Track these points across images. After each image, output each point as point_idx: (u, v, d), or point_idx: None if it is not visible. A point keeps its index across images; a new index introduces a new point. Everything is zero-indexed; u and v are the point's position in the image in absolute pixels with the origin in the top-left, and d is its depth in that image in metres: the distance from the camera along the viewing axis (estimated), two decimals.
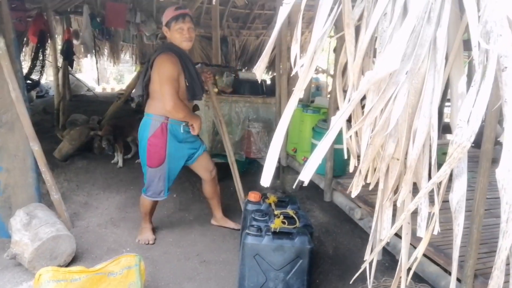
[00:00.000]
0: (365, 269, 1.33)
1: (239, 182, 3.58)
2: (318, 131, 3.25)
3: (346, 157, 1.34)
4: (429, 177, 1.06)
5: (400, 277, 1.26)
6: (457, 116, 0.94)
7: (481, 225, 1.73)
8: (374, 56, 1.17)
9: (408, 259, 1.24)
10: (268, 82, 5.38)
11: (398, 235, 1.36)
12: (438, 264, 2.13)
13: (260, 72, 1.13)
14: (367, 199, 2.73)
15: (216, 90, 4.26)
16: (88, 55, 9.06)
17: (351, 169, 1.36)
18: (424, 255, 2.11)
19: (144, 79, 2.86)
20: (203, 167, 3.11)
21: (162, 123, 2.79)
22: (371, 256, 1.28)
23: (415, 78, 1.02)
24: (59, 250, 2.57)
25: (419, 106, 1.04)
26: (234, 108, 4.43)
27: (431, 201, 1.10)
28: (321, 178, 3.32)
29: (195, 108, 3.27)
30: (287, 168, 4.12)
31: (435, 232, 1.11)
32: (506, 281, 1.08)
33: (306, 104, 4.24)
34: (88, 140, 4.96)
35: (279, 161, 4.00)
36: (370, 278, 1.37)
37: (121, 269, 2.17)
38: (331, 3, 1.06)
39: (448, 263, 2.05)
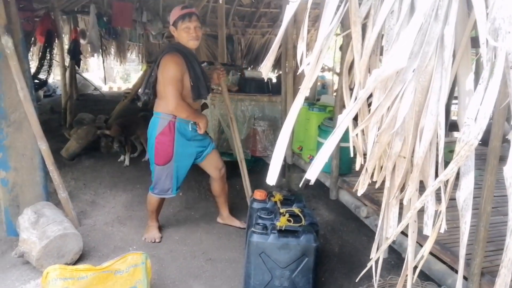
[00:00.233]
0: (371, 267, 1.33)
1: (248, 180, 3.57)
2: (324, 130, 3.24)
3: (352, 155, 1.33)
4: (436, 175, 1.05)
5: (406, 275, 1.26)
6: (465, 114, 0.94)
7: (488, 223, 1.72)
8: (381, 54, 1.16)
9: (415, 257, 1.23)
10: (274, 80, 5.38)
11: (404, 233, 1.35)
12: (444, 262, 2.12)
13: (266, 70, 1.13)
14: (373, 197, 2.72)
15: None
16: (95, 55, 9.10)
17: (357, 167, 1.36)
18: (431, 253, 2.10)
19: (149, 78, 2.87)
20: (212, 165, 3.12)
21: (170, 121, 2.81)
22: (377, 255, 1.28)
23: (422, 76, 1.02)
24: (66, 248, 2.59)
25: (426, 104, 1.03)
26: (240, 107, 4.43)
27: (438, 199, 1.09)
28: (327, 176, 3.31)
29: (204, 106, 3.28)
30: (293, 166, 4.11)
31: (442, 231, 1.11)
32: None
33: (312, 102, 4.22)
34: (95, 139, 4.98)
35: (285, 160, 3.99)
36: (376, 276, 1.37)
37: (128, 267, 2.18)
38: (338, 1, 1.05)
39: (454, 261, 2.03)
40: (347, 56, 1.23)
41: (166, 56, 2.74)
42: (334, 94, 5.10)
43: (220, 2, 4.03)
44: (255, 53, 9.57)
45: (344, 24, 2.09)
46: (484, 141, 1.34)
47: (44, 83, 7.58)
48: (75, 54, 6.90)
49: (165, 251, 2.92)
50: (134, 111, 5.75)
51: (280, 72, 5.64)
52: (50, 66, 6.99)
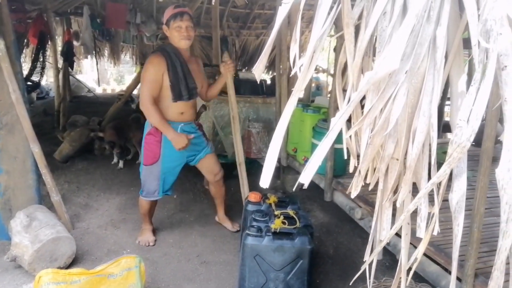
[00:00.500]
0: (365, 269, 1.32)
1: (246, 185, 3.45)
2: (318, 131, 3.24)
3: (346, 157, 1.33)
4: (429, 177, 1.05)
5: (400, 277, 1.26)
6: (457, 115, 0.94)
7: (482, 224, 1.73)
8: (374, 56, 1.16)
9: (408, 259, 1.23)
10: (268, 82, 5.38)
11: (398, 235, 1.35)
12: (438, 264, 2.13)
13: (259, 72, 1.13)
14: (368, 198, 2.73)
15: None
16: (89, 56, 9.04)
17: (351, 169, 1.36)
18: (425, 254, 2.10)
19: None
20: (207, 169, 3.13)
21: None
22: (371, 257, 1.28)
23: (415, 78, 1.02)
24: (59, 252, 2.56)
25: (418, 105, 1.03)
26: None
27: (431, 201, 1.09)
28: (321, 178, 3.31)
29: (202, 109, 3.25)
30: (287, 168, 4.11)
31: (435, 233, 1.11)
32: (506, 281, 1.08)
33: (306, 103, 4.23)
34: (88, 141, 4.95)
35: (279, 161, 3.99)
36: (370, 278, 1.37)
37: (121, 271, 2.16)
38: (331, 2, 1.05)
39: (448, 263, 2.04)
40: (340, 58, 1.23)
41: (148, 57, 2.81)
42: (328, 95, 5.11)
43: (214, 3, 4.00)
44: (249, 54, 9.57)
45: (338, 25, 2.09)
46: (477, 142, 1.34)
47: (37, 85, 7.52)
48: (68, 56, 6.86)
49: (159, 254, 2.90)
50: (128, 113, 5.72)
51: (274, 74, 5.65)
52: (43, 68, 6.93)
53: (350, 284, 1.90)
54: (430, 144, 1.05)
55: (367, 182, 1.25)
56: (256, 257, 2.27)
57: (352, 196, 1.24)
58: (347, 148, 1.31)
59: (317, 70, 7.79)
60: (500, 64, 0.89)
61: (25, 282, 2.46)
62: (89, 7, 6.73)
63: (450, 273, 2.02)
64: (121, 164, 4.62)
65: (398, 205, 1.16)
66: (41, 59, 6.76)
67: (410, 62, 1.00)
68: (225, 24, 8.42)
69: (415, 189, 1.10)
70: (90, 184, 4.09)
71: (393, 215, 1.23)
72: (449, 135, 4.95)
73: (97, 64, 9.92)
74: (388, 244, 2.33)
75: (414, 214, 1.11)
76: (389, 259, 2.79)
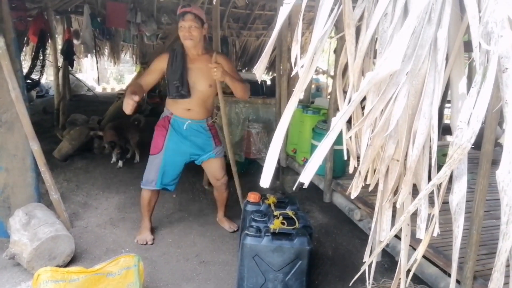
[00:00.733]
0: (364, 270, 1.32)
1: (238, 186, 3.57)
2: (318, 132, 3.24)
3: (346, 158, 1.33)
4: (429, 178, 1.05)
5: (400, 279, 1.26)
6: (458, 118, 0.94)
7: (481, 226, 1.73)
8: (375, 57, 1.16)
9: (408, 261, 1.23)
10: (268, 82, 5.38)
11: (397, 236, 1.36)
12: (437, 266, 2.13)
13: (259, 72, 1.13)
14: (367, 200, 2.73)
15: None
16: (89, 55, 9.05)
17: (351, 170, 1.36)
18: (424, 256, 2.11)
19: None
20: (210, 173, 3.19)
21: (167, 116, 2.95)
22: (371, 258, 1.28)
23: (416, 79, 1.02)
24: (58, 250, 2.56)
25: (419, 107, 1.03)
26: (234, 109, 4.42)
27: (431, 203, 1.09)
28: (320, 179, 3.31)
29: (214, 109, 3.29)
30: (286, 169, 4.11)
31: (435, 234, 1.11)
32: (506, 283, 1.08)
33: (306, 105, 4.23)
34: (88, 140, 4.95)
35: (278, 162, 3.99)
36: (369, 280, 1.37)
37: (120, 270, 2.16)
38: (332, 4, 1.05)
39: (447, 265, 2.04)
40: (341, 58, 1.23)
41: None
42: (328, 96, 5.11)
43: (215, 3, 3.99)
44: (249, 55, 9.57)
45: (338, 26, 2.09)
46: (477, 145, 1.34)
47: (36, 83, 7.53)
48: (69, 55, 6.87)
49: (158, 254, 2.90)
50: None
51: (275, 75, 5.64)
52: (43, 66, 6.92)
53: (349, 285, 1.90)
54: (430, 146, 1.05)
55: (367, 183, 1.25)
56: (255, 257, 2.27)
57: (352, 197, 1.24)
58: (347, 149, 1.31)
59: (317, 71, 7.80)
60: (501, 67, 0.90)
61: (23, 280, 2.45)
62: (89, 6, 6.74)
63: (449, 275, 2.02)
64: (120, 163, 4.62)
65: (398, 206, 1.16)
66: (41, 58, 6.76)
67: (411, 63, 1.00)
68: (225, 25, 8.42)
69: (415, 191, 1.10)
70: (89, 183, 4.08)
71: (393, 216, 1.23)
72: (448, 137, 4.96)
73: (97, 63, 9.90)
74: (387, 245, 2.33)
75: (414, 215, 1.11)
76: (388, 260, 2.79)
